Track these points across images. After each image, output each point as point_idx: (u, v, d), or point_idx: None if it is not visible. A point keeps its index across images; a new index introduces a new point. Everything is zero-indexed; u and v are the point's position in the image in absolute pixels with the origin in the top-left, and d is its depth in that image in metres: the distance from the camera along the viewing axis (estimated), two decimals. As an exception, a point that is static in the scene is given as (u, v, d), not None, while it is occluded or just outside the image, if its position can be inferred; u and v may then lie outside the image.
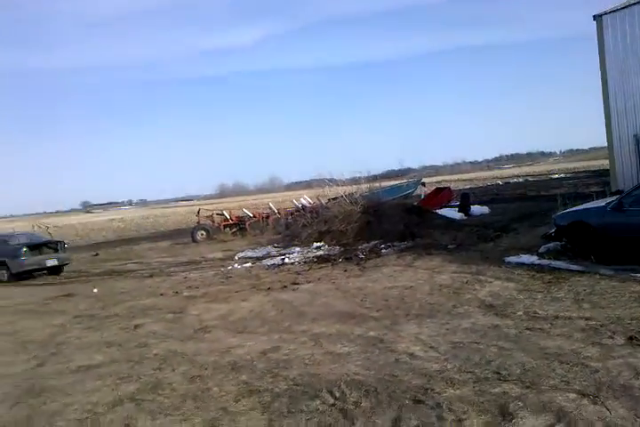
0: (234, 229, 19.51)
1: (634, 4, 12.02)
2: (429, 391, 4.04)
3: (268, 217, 19.37)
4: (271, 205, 20.79)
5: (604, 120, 13.33)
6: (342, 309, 7.23)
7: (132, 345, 6.39)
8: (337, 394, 4.15)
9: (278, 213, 19.61)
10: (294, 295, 8.47)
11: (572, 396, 3.74)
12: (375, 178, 18.44)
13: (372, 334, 5.84)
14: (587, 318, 5.56)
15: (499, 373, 4.30)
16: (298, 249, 13.56)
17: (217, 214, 20.38)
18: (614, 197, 8.68)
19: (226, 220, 19.76)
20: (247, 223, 19.22)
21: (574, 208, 9.38)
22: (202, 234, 18.93)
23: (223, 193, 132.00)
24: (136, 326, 7.35)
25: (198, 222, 19.87)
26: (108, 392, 4.75)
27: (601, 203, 8.82)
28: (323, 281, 9.40)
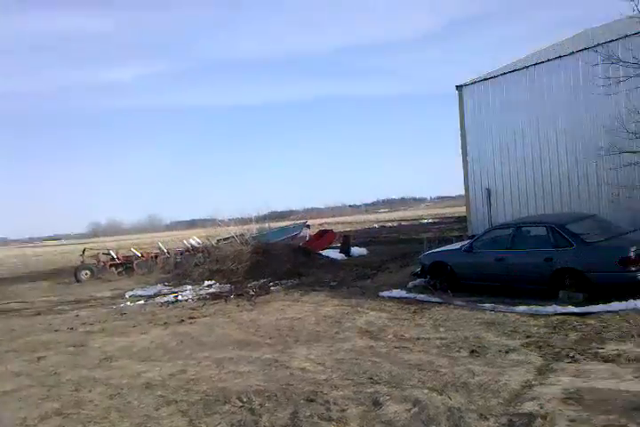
0: (120, 269, 19.44)
1: (489, 78, 14.48)
2: (319, 393, 5.05)
3: (156, 256, 19.58)
4: (160, 244, 21.01)
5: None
6: (238, 338, 8.06)
7: (42, 374, 6.73)
8: (244, 399, 5.03)
9: (167, 252, 19.91)
10: (192, 328, 9.14)
11: (426, 391, 4.94)
12: (264, 219, 19.53)
13: (267, 356, 6.76)
14: (441, 338, 6.91)
15: (372, 378, 5.43)
16: (190, 287, 14.10)
17: (103, 253, 20.20)
18: (467, 241, 10.50)
19: (112, 259, 19.66)
20: (135, 263, 19.28)
21: (436, 250, 11.11)
22: (86, 273, 18.66)
23: (96, 232, 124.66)
24: (39, 358, 7.61)
25: (82, 262, 19.56)
26: (32, 410, 5.22)
27: (457, 246, 10.59)
28: (218, 315, 10.14)
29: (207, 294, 12.88)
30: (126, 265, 19.51)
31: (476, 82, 14.74)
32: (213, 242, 19.30)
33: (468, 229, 15.35)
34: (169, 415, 4.81)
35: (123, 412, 5.01)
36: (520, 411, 4.26)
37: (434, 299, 9.44)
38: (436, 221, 39.07)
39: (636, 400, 4.21)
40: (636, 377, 4.79)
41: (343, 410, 4.58)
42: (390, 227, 38.45)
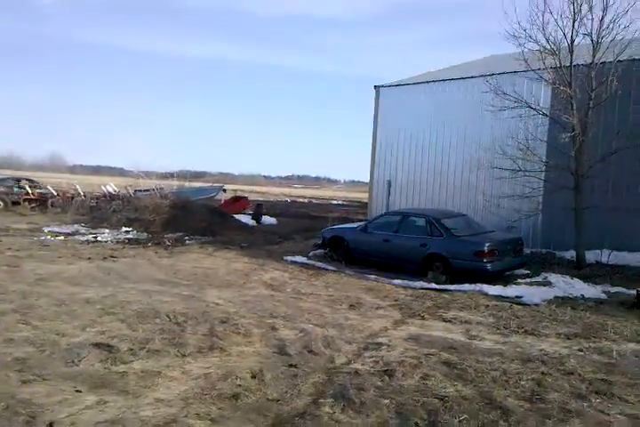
0: (33, 205, 19.69)
1: (403, 84, 16.34)
2: (230, 319, 6.56)
3: (72, 197, 19.98)
4: (78, 187, 21.37)
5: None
6: (159, 277, 9.35)
7: (-15, 285, 7.70)
8: (171, 316, 6.44)
9: (84, 195, 20.36)
10: (115, 265, 10.28)
11: (311, 325, 6.56)
12: (185, 177, 20.49)
13: (186, 293, 8.14)
14: (329, 295, 8.61)
15: (271, 314, 7.00)
16: (107, 231, 14.98)
17: (18, 187, 20.27)
18: (364, 222, 12.32)
19: (26, 194, 19.82)
20: (49, 201, 19.60)
21: (337, 226, 12.89)
22: (-1, 205, 18.81)
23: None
24: (-23, 273, 8.51)
25: (-4, 193, 19.61)
26: (-10, 309, 6.31)
27: (355, 225, 12.41)
28: (138, 257, 11.30)
29: (125, 238, 13.90)
30: (40, 201, 19.77)
31: (391, 86, 16.56)
32: (131, 192, 20.02)
33: (368, 214, 17.27)
34: (110, 322, 6.12)
35: (71, 316, 6.25)
36: (374, 341, 6.01)
37: (329, 267, 11.19)
38: (345, 203, 41.30)
39: (453, 343, 6.05)
40: (461, 332, 6.68)
41: (248, 330, 6.12)
42: (301, 203, 40.20)
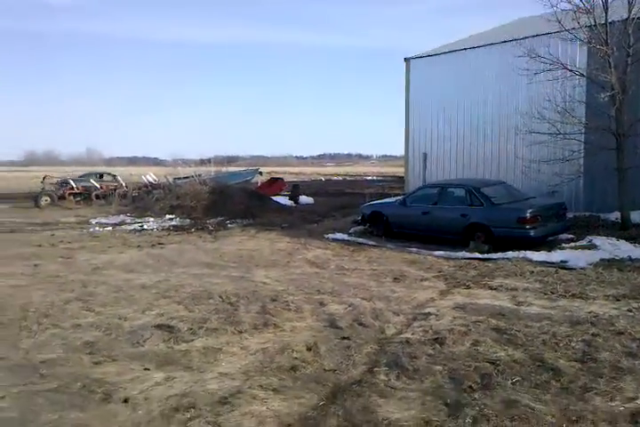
0: (78, 198, 20.38)
1: (433, 55, 16.10)
2: (279, 297, 6.78)
3: (115, 189, 20.58)
4: (119, 178, 21.98)
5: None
6: (206, 261, 9.64)
7: (46, 275, 8.14)
8: (223, 297, 6.70)
9: (125, 186, 20.94)
10: (163, 251, 10.64)
11: (358, 300, 6.73)
12: (221, 163, 20.82)
13: (234, 274, 8.41)
14: (373, 270, 8.74)
15: (318, 291, 7.19)
16: (152, 219, 15.44)
17: (63, 182, 21.01)
18: (402, 196, 12.35)
19: (71, 188, 20.52)
20: (93, 193, 20.26)
21: (375, 202, 12.95)
22: (46, 200, 19.51)
23: (31, 161, 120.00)
24: (36, 265, 8.98)
25: (43, 188, 20.34)
26: (54, 297, 6.71)
27: (393, 200, 12.45)
28: (184, 243, 11.66)
29: (170, 226, 14.31)
30: (84, 195, 20.45)
31: (421, 57, 16.33)
32: (170, 180, 20.48)
33: (405, 188, 17.25)
34: (167, 304, 6.42)
35: (129, 301, 6.58)
36: (422, 312, 6.13)
37: (370, 242, 11.31)
38: (379, 178, 41.19)
39: (500, 310, 6.12)
40: (507, 298, 6.73)
41: (298, 306, 6.33)
42: (336, 181, 40.26)
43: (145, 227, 14.05)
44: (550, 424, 3.37)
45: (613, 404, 3.64)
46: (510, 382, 4.03)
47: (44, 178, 20.86)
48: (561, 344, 4.82)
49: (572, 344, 4.81)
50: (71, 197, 20.21)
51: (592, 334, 5.06)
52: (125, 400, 3.87)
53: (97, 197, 20.16)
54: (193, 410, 3.67)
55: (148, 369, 4.45)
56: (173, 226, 14.26)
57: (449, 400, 3.76)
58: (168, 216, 15.67)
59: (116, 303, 6.47)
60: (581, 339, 4.94)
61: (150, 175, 22.27)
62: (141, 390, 4.05)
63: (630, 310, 5.91)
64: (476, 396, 3.80)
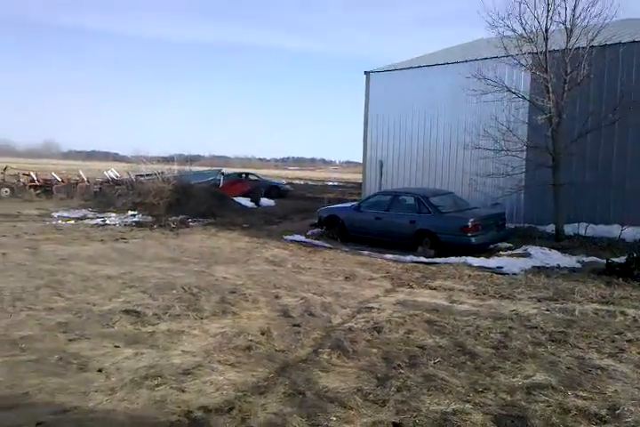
0: (38, 191, 20.39)
1: (392, 70, 16.97)
2: (238, 289, 7.37)
3: (76, 183, 20.67)
4: (81, 172, 22.07)
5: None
6: (169, 256, 10.13)
7: (14, 264, 8.48)
8: (186, 288, 7.23)
9: (87, 181, 21.06)
10: (127, 246, 11.06)
11: (310, 294, 7.38)
12: (185, 161, 21.20)
13: (196, 269, 8.93)
14: (326, 269, 9.42)
15: (274, 286, 7.81)
16: (114, 215, 15.74)
17: (24, 174, 20.96)
18: (357, 202, 13.10)
19: (32, 180, 20.51)
20: (54, 187, 20.31)
21: (332, 206, 13.70)
22: (6, 191, 19.50)
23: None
24: (4, 254, 9.28)
25: (3, 180, 20.27)
26: (25, 284, 7.10)
27: (349, 205, 13.20)
28: (146, 239, 12.08)
29: (132, 222, 14.66)
30: (45, 188, 20.48)
31: (380, 71, 17.21)
32: (133, 176, 20.71)
33: (362, 194, 18.03)
34: (133, 293, 6.93)
35: (97, 289, 7.05)
36: (366, 306, 6.83)
37: (326, 244, 12.01)
38: (340, 184, 42.06)
39: (435, 306, 6.87)
40: (444, 297, 7.49)
41: (255, 298, 6.94)
42: (298, 185, 40.90)
43: (107, 222, 14.36)
44: (459, 393, 4.09)
45: (514, 380, 4.39)
46: (433, 362, 4.75)
47: (4, 169, 20.77)
48: (481, 335, 5.59)
49: (491, 335, 5.59)
50: (31, 190, 20.21)
51: (509, 328, 5.85)
52: (100, 370, 4.40)
53: (57, 190, 20.22)
54: (160, 378, 4.24)
55: (119, 346, 4.98)
56: (136, 222, 14.61)
57: (379, 375, 4.45)
58: (130, 212, 15.99)
59: (84, 291, 6.93)
60: (499, 331, 5.72)
61: (112, 171, 22.42)
62: (113, 362, 4.58)
63: (548, 310, 6.75)
64: (402, 371, 4.51)
